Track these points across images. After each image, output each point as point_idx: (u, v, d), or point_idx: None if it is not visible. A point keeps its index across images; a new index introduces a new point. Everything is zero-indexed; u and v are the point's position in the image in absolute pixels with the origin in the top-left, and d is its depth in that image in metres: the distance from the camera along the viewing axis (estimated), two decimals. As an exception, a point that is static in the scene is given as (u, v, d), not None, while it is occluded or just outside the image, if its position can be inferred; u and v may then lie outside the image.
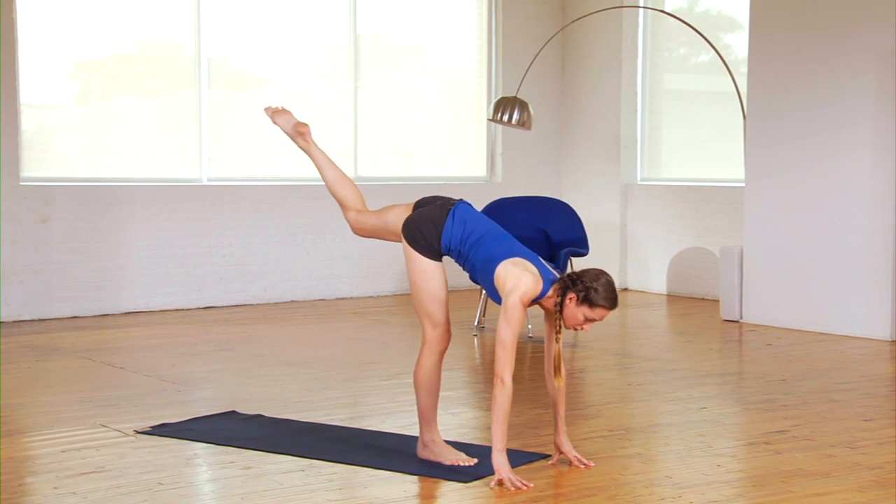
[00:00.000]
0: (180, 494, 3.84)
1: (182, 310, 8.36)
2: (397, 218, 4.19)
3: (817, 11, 7.37)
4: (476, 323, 7.40)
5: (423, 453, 4.21)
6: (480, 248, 4.02)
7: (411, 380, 5.68)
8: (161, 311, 8.28)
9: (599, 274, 3.96)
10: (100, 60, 8.40)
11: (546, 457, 4.26)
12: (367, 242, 8.98)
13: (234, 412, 5.01)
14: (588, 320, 3.94)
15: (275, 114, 4.50)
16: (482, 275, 4.03)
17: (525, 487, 3.86)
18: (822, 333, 7.27)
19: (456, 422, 4.84)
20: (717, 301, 8.47)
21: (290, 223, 8.86)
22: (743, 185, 8.03)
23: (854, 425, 4.82)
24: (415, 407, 4.28)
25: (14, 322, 7.73)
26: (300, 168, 9.18)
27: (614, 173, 9.75)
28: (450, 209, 4.09)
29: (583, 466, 4.12)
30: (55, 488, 3.89)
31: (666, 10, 9.25)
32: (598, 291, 3.90)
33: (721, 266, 7.97)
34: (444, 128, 9.87)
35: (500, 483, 3.88)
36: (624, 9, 9.45)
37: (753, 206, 7.81)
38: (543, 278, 3.95)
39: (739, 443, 4.60)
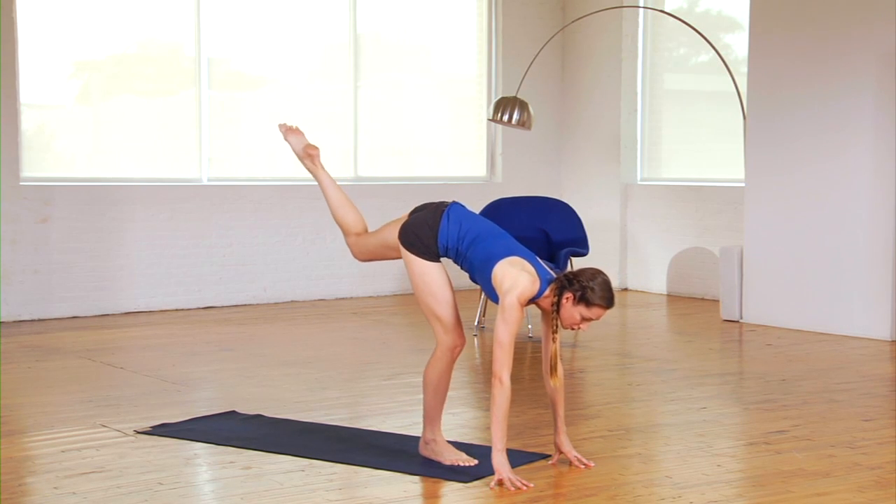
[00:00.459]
0: (180, 494, 3.85)
1: (182, 310, 8.36)
2: (394, 231, 4.18)
3: (817, 11, 7.37)
4: (476, 323, 7.41)
5: (423, 451, 4.22)
6: (478, 247, 4.03)
7: (411, 380, 5.72)
8: (161, 311, 8.28)
9: (596, 273, 3.96)
10: (100, 60, 8.41)
11: (546, 457, 4.26)
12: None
13: (234, 412, 5.01)
14: (585, 319, 3.94)
15: (288, 132, 4.55)
16: (480, 273, 4.03)
17: (525, 487, 3.86)
18: (822, 333, 7.27)
19: (456, 422, 4.84)
20: (717, 301, 8.47)
21: (290, 223, 8.86)
22: (743, 185, 8.03)
23: (854, 425, 4.82)
24: (416, 406, 4.28)
25: (14, 322, 7.74)
26: (300, 168, 9.16)
27: (614, 173, 9.75)
28: (444, 210, 4.11)
29: (582, 467, 4.13)
30: (55, 488, 3.89)
31: (666, 10, 9.25)
32: (595, 291, 3.91)
33: (721, 266, 7.97)
34: (444, 128, 9.87)
35: (500, 483, 3.88)
36: (624, 9, 9.45)
37: (753, 206, 7.81)
38: (540, 278, 3.95)
39: (739, 443, 4.60)
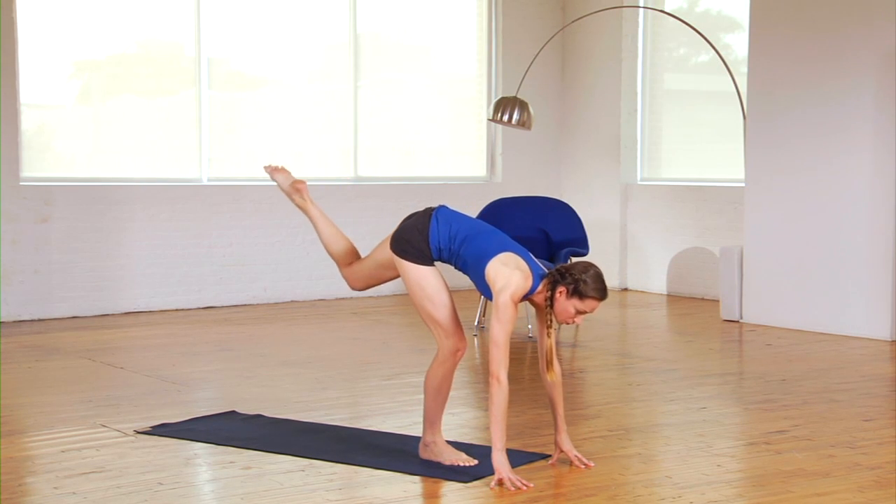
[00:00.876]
0: (180, 494, 3.85)
1: (182, 310, 8.36)
2: (385, 247, 4.20)
3: (817, 11, 7.38)
4: (476, 323, 7.41)
5: (423, 453, 4.21)
6: (471, 244, 4.04)
7: (411, 380, 5.73)
8: (161, 311, 8.28)
9: (588, 266, 3.98)
10: (100, 60, 8.41)
11: (546, 456, 4.27)
12: (368, 242, 8.96)
13: (234, 412, 5.01)
14: (579, 312, 3.95)
15: (273, 171, 4.55)
16: (473, 271, 4.04)
17: (525, 487, 3.86)
18: (822, 333, 7.27)
19: (456, 422, 4.83)
20: (717, 301, 8.47)
21: (289, 223, 8.86)
22: (743, 185, 8.03)
23: (854, 425, 4.82)
24: (416, 406, 4.28)
25: (14, 322, 7.74)
26: (300, 169, 9.17)
27: (614, 173, 9.75)
28: (432, 213, 4.13)
29: (582, 466, 4.13)
30: (55, 488, 3.89)
31: (666, 10, 9.26)
32: (588, 283, 3.92)
33: (721, 266, 7.97)
34: (444, 128, 9.87)
35: (501, 483, 3.88)
36: (624, 9, 9.46)
37: (753, 207, 7.81)
38: (533, 273, 3.97)
39: (739, 443, 4.60)
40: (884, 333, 7.03)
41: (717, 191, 8.96)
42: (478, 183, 9.85)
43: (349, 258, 4.36)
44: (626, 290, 9.73)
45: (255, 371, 6.04)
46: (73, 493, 3.82)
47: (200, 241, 8.48)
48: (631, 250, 9.73)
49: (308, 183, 9.63)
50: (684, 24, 8.44)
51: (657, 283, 9.48)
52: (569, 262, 7.54)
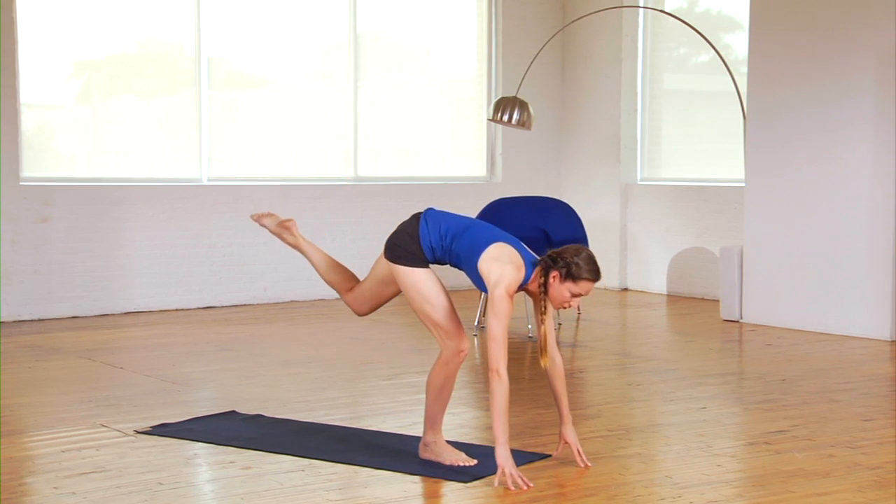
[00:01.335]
0: (180, 494, 3.85)
1: (182, 310, 8.36)
2: (382, 263, 4.23)
3: (817, 11, 7.38)
4: (476, 323, 7.41)
5: (423, 453, 4.21)
6: (462, 239, 4.05)
7: (411, 379, 5.73)
8: (161, 311, 8.29)
9: (579, 248, 4.00)
10: (100, 60, 8.41)
11: (546, 456, 4.27)
12: (368, 242, 8.99)
13: (234, 412, 5.01)
14: (574, 296, 3.96)
15: (260, 218, 4.55)
16: (467, 265, 4.05)
17: (525, 487, 3.86)
18: (822, 333, 7.27)
19: (456, 422, 4.83)
20: (717, 301, 8.47)
21: (289, 223, 8.85)
22: (743, 184, 8.03)
23: (854, 425, 4.82)
24: (416, 406, 4.28)
25: (14, 322, 7.74)
26: (300, 168, 9.19)
27: (614, 173, 9.75)
28: (420, 216, 4.15)
29: (581, 465, 4.13)
30: (55, 488, 3.89)
31: (666, 10, 9.26)
32: (581, 265, 3.94)
33: (721, 266, 7.97)
34: (444, 128, 9.88)
35: (505, 479, 3.88)
36: (624, 9, 9.46)
37: (753, 206, 7.81)
38: (525, 263, 3.99)
39: (739, 443, 4.60)
40: (884, 333, 7.03)
41: (717, 191, 8.96)
42: (478, 183, 9.85)
43: (348, 283, 4.40)
44: (626, 290, 9.73)
45: (255, 371, 6.04)
46: (73, 492, 3.83)
47: (200, 241, 8.48)
48: (631, 250, 9.73)
49: (307, 183, 9.68)
50: (684, 24, 8.45)
51: (657, 283, 9.48)
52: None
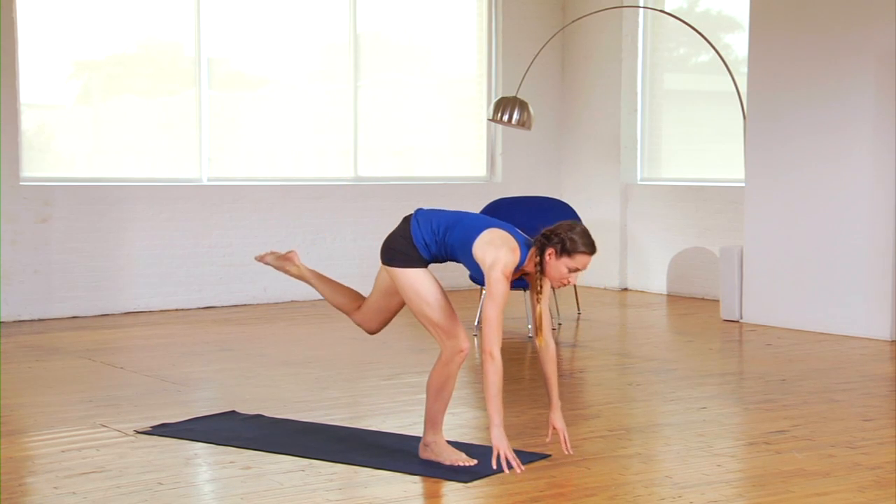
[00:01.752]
0: (180, 494, 3.85)
1: (182, 310, 8.37)
2: (383, 273, 4.24)
3: (817, 11, 7.38)
4: (476, 322, 7.41)
5: (423, 453, 4.22)
6: (455, 230, 4.07)
7: (411, 379, 5.74)
8: (161, 311, 8.29)
9: (572, 224, 4.03)
10: (100, 60, 8.41)
11: (546, 456, 4.27)
12: (368, 242, 9.00)
13: (234, 412, 5.01)
14: (571, 271, 3.98)
15: (262, 258, 4.63)
16: (463, 254, 4.06)
17: (519, 469, 3.90)
18: (822, 333, 7.28)
19: (456, 422, 4.84)
20: (718, 301, 8.47)
21: (289, 223, 8.87)
22: (743, 184, 8.04)
23: (854, 425, 4.83)
24: (416, 406, 4.28)
25: (14, 322, 7.74)
26: (300, 168, 9.19)
27: (614, 173, 9.76)
28: (410, 217, 4.17)
29: (566, 451, 4.17)
30: (55, 488, 3.89)
31: (666, 10, 9.26)
32: (575, 240, 3.97)
33: (721, 266, 7.97)
34: (444, 128, 9.88)
35: (499, 459, 3.91)
36: (624, 9, 9.46)
37: (753, 206, 7.82)
38: (519, 245, 4.01)
39: (739, 443, 4.61)
40: (884, 333, 7.03)
41: (717, 191, 8.96)
42: (478, 183, 9.85)
43: (355, 302, 4.41)
44: (626, 290, 9.73)
45: (256, 371, 6.05)
46: (74, 492, 3.83)
47: (200, 241, 8.48)
48: (631, 250, 9.73)
49: (308, 183, 9.68)
50: (684, 24, 8.45)
51: (657, 283, 9.48)
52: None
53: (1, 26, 7.63)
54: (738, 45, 8.94)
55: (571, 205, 8.45)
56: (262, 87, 9.08)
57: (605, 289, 9.77)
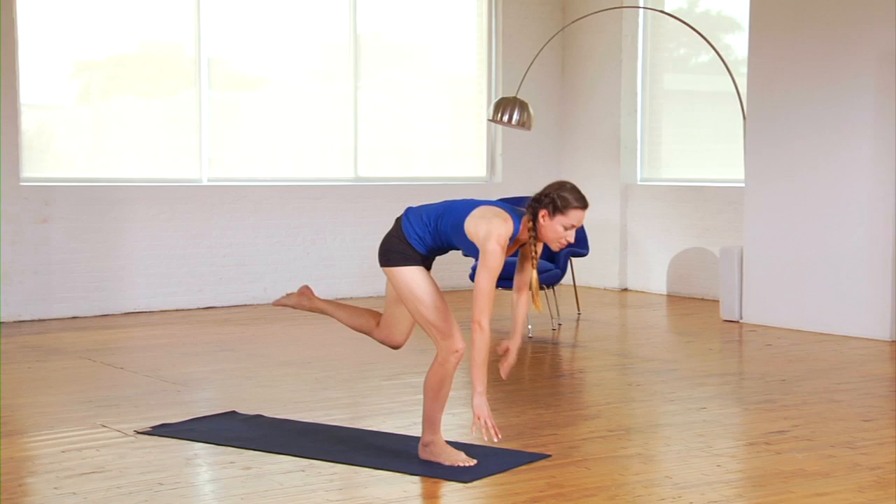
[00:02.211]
0: (180, 495, 3.86)
1: (182, 310, 8.38)
2: (389, 285, 4.25)
3: (817, 12, 7.39)
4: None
5: (423, 454, 4.23)
6: (446, 216, 4.09)
7: (411, 380, 5.74)
8: (161, 311, 8.30)
9: (561, 183, 4.06)
10: (100, 61, 8.42)
11: (546, 457, 4.28)
12: (368, 242, 9.01)
13: (234, 412, 5.03)
14: (567, 228, 4.00)
15: (279, 303, 4.68)
16: (457, 236, 4.07)
17: (497, 438, 3.91)
18: (821, 334, 7.29)
19: (456, 422, 4.85)
20: (717, 301, 8.49)
21: (289, 223, 8.88)
22: (743, 185, 8.05)
23: (854, 425, 4.84)
24: (416, 406, 4.29)
25: (14, 322, 7.76)
26: (300, 169, 9.21)
27: (614, 173, 9.77)
28: (400, 217, 4.19)
29: (503, 374, 4.15)
30: (55, 488, 3.90)
31: (666, 10, 9.27)
32: (566, 196, 3.99)
33: (721, 266, 7.98)
34: (444, 128, 9.89)
35: (479, 426, 3.92)
36: (624, 9, 9.47)
37: (753, 207, 7.83)
38: (511, 215, 4.02)
39: (739, 443, 4.62)
40: (883, 333, 7.04)
41: (717, 191, 8.97)
42: (478, 183, 9.86)
43: (373, 319, 4.42)
44: (626, 290, 9.74)
45: (256, 371, 6.06)
46: (74, 493, 3.84)
47: (200, 242, 8.49)
48: (631, 250, 9.74)
49: (308, 183, 9.67)
50: (684, 25, 8.46)
51: (657, 283, 9.49)
52: (569, 262, 7.57)
53: (1, 27, 7.64)
54: (737, 45, 8.95)
55: (571, 205, 8.44)
56: (262, 88, 9.09)
57: (605, 289, 9.78)
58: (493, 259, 3.91)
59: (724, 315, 7.92)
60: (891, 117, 6.99)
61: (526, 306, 4.19)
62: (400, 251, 4.12)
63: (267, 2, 8.89)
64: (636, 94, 9.70)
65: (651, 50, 9.67)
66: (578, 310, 8.33)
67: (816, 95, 7.39)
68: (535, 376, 6.07)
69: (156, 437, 4.56)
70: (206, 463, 4.28)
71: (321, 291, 8.98)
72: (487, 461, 4.15)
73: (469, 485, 3.95)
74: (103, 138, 8.40)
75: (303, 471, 4.11)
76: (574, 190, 4.03)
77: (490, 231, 3.93)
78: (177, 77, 8.62)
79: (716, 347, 7.05)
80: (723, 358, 6.76)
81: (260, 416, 4.94)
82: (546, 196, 4.00)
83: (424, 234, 4.11)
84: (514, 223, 4.00)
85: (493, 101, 8.64)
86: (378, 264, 4.22)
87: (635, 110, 9.72)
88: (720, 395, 5.49)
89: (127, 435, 4.61)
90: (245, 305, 8.65)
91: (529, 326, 7.31)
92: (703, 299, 9.02)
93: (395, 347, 4.42)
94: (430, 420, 4.19)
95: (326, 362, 6.31)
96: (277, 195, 8.85)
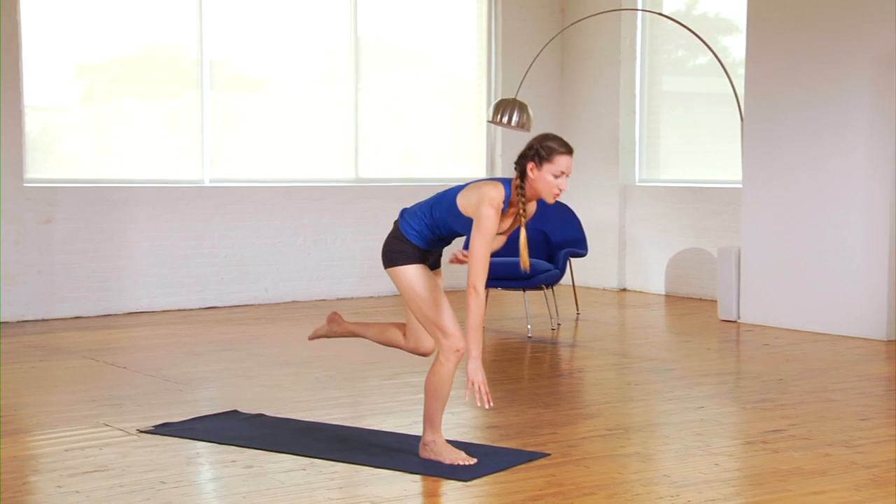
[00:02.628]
0: (182, 493, 3.87)
1: (184, 310, 8.40)
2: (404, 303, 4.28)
3: (814, 14, 7.41)
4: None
5: (423, 453, 4.25)
6: (440, 204, 4.11)
7: (411, 379, 5.76)
8: (163, 311, 8.33)
9: (541, 135, 4.10)
10: (103, 63, 8.45)
11: (545, 455, 4.29)
12: (369, 242, 9.04)
13: (235, 411, 5.04)
14: (557, 176, 4.01)
15: (314, 336, 4.71)
16: (454, 219, 4.08)
17: (489, 404, 3.89)
18: (818, 333, 7.31)
19: (456, 421, 4.86)
20: (715, 301, 8.50)
21: (290, 224, 8.90)
22: (740, 186, 8.06)
23: (850, 424, 4.85)
24: (416, 406, 4.30)
25: (18, 322, 7.78)
26: (301, 170, 9.23)
27: (613, 175, 9.79)
28: (397, 220, 4.23)
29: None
30: (59, 487, 3.92)
31: (664, 12, 9.29)
32: (548, 145, 4.03)
33: (719, 266, 8.00)
34: (444, 130, 9.91)
35: (473, 391, 3.92)
36: (622, 11, 9.49)
37: (751, 207, 7.84)
38: (500, 181, 4.04)
39: (737, 442, 4.63)
40: (880, 333, 7.06)
41: (715, 192, 8.99)
42: (478, 184, 9.87)
43: (400, 331, 4.46)
44: (624, 290, 9.76)
45: (257, 371, 6.08)
46: (77, 491, 3.85)
47: (202, 242, 8.52)
48: (630, 251, 9.76)
49: (309, 184, 9.68)
50: (682, 27, 8.48)
51: (656, 283, 9.52)
52: (568, 262, 7.60)
53: (5, 29, 7.66)
54: (735, 47, 8.98)
55: (570, 205, 8.48)
56: (263, 90, 9.11)
57: (604, 289, 9.80)
58: (487, 222, 3.92)
59: (722, 315, 7.94)
60: (887, 119, 7.01)
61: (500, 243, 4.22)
62: (400, 250, 4.15)
63: (268, 5, 8.92)
64: (635, 95, 9.72)
65: (649, 52, 9.70)
66: (577, 310, 8.35)
67: (813, 97, 7.41)
68: (534, 376, 6.10)
69: (158, 436, 4.58)
70: (208, 461, 4.29)
71: (321, 292, 9.04)
72: (487, 460, 4.17)
73: (469, 483, 3.97)
74: (106, 139, 8.43)
75: (304, 469, 4.12)
76: (556, 138, 4.07)
77: (482, 196, 3.95)
78: (179, 79, 8.64)
79: (714, 347, 7.06)
80: (720, 357, 6.78)
81: (261, 416, 4.96)
82: (530, 149, 4.04)
83: (422, 228, 4.14)
84: (505, 187, 4.01)
85: (493, 102, 8.66)
86: (382, 269, 4.25)
87: (634, 112, 9.74)
88: (718, 394, 5.51)
89: (129, 434, 4.63)
90: (246, 305, 8.68)
91: (529, 326, 7.33)
92: (700, 299, 9.04)
93: (426, 355, 4.43)
94: (431, 419, 4.20)
95: (327, 362, 6.32)
96: (278, 196, 8.88)
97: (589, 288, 9.80)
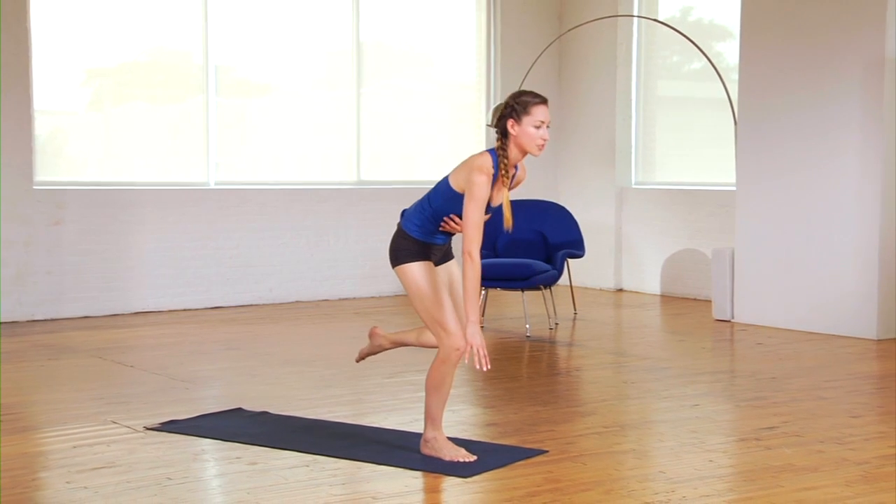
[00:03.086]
0: (188, 489, 3.87)
1: (190, 310, 8.41)
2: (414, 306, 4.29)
3: (806, 20, 7.42)
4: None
5: (424, 449, 4.26)
6: (436, 194, 4.15)
7: (413, 377, 5.75)
8: (170, 311, 8.34)
9: (515, 92, 4.14)
10: (111, 68, 8.47)
11: (543, 452, 4.31)
12: (370, 244, 9.09)
13: (240, 409, 5.05)
14: (537, 127, 4.03)
15: (360, 358, 4.73)
16: (451, 202, 4.11)
17: (486, 367, 3.92)
18: (810, 333, 7.32)
19: (456, 419, 4.88)
20: (710, 301, 8.51)
21: (294, 226, 8.91)
22: (734, 188, 8.07)
23: (842, 422, 4.86)
24: (417, 403, 4.28)
25: (28, 322, 7.80)
26: (304, 172, 9.26)
27: (609, 177, 9.82)
28: (399, 221, 4.28)
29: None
30: (67, 483, 3.93)
31: (659, 19, 9.30)
32: (522, 99, 4.05)
33: (713, 267, 8.01)
34: (444, 133, 9.92)
35: (471, 354, 3.96)
36: (619, 18, 9.50)
37: (744, 209, 7.85)
38: (485, 151, 4.09)
39: (731, 439, 4.64)
40: (870, 332, 7.08)
41: (709, 194, 9.01)
42: (478, 186, 9.89)
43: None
44: (620, 290, 9.77)
45: (261, 369, 6.09)
46: (85, 487, 3.87)
47: (208, 243, 8.53)
48: (626, 252, 9.78)
49: (312, 186, 9.69)
50: (677, 33, 8.51)
51: (651, 283, 9.55)
52: (566, 263, 7.65)
53: (15, 35, 7.70)
54: (729, 52, 8.98)
55: (567, 207, 8.48)
56: (267, 94, 9.12)
57: (600, 289, 9.81)
58: (479, 189, 3.96)
59: (716, 315, 7.95)
60: (877, 123, 7.03)
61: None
62: (404, 248, 4.18)
63: (272, 11, 8.94)
64: (630, 100, 9.74)
65: (645, 57, 9.72)
66: (574, 310, 8.35)
67: (805, 101, 7.42)
68: (532, 374, 6.12)
69: (164, 433, 4.58)
70: (213, 458, 4.28)
71: (324, 292, 9.07)
72: (487, 457, 4.18)
73: (469, 479, 3.97)
74: (114, 143, 8.44)
75: (307, 466, 4.13)
76: (528, 91, 4.12)
77: (471, 167, 4.00)
78: (185, 84, 8.67)
79: (708, 346, 7.07)
80: (715, 356, 6.78)
81: (265, 413, 4.96)
82: (506, 107, 4.06)
83: (423, 221, 4.16)
84: (492, 155, 4.06)
85: (492, 106, 8.70)
86: (384, 270, 4.30)
87: (630, 116, 9.75)
88: (712, 392, 5.51)
89: (136, 431, 4.63)
90: (251, 305, 8.69)
91: (528, 326, 7.34)
92: (695, 299, 9.05)
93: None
94: (432, 416, 4.21)
95: (330, 360, 6.33)
96: (282, 198, 8.90)
97: (586, 288, 9.80)
